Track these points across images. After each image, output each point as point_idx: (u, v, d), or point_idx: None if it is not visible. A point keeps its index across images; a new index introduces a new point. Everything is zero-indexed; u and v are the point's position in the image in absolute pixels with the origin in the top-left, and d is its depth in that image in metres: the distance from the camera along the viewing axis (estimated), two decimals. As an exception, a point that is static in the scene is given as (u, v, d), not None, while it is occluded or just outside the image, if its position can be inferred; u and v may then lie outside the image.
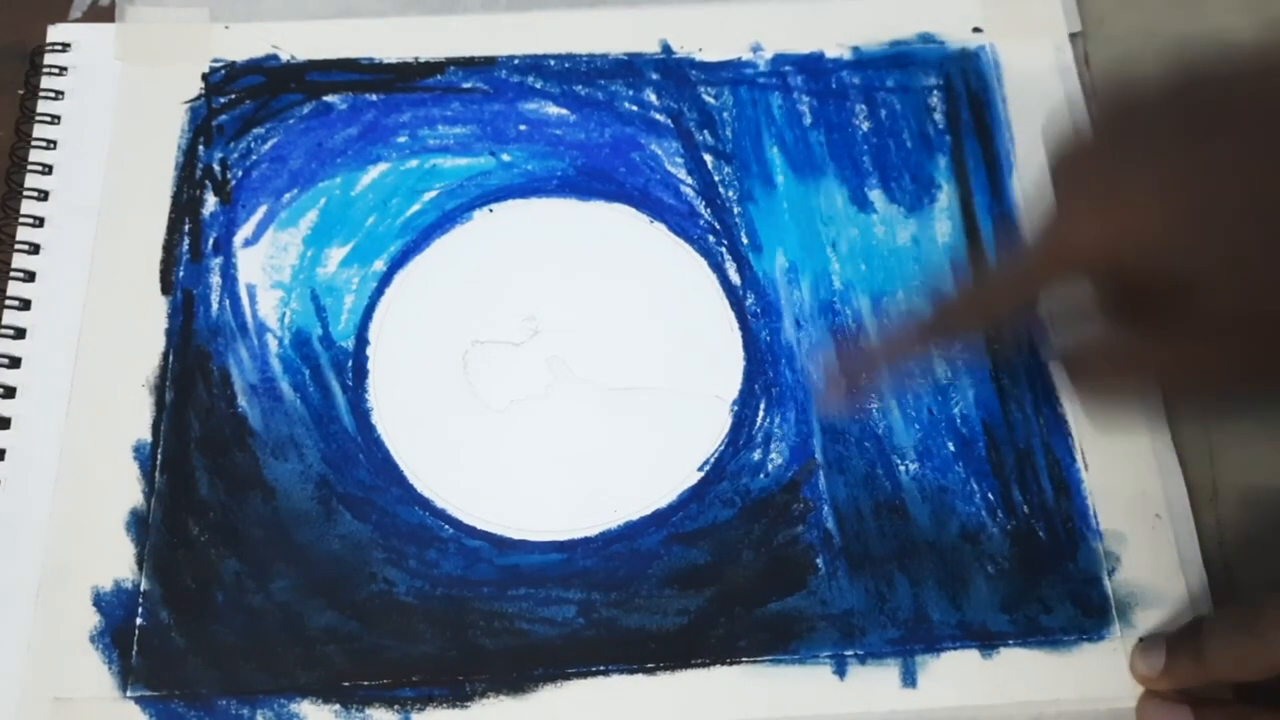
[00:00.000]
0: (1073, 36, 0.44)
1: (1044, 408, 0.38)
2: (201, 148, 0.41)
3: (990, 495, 0.37)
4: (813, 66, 0.43)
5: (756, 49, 0.43)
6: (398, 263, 0.40)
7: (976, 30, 0.44)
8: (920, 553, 0.36)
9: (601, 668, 0.35)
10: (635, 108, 0.42)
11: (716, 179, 0.41)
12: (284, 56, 0.43)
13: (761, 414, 0.38)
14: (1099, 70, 0.44)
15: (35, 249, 0.39)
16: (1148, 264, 0.31)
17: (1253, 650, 0.31)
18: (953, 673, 0.35)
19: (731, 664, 0.35)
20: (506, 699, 0.34)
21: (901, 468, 0.37)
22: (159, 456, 0.37)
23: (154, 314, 0.39)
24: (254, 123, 0.42)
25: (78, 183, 0.40)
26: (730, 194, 0.41)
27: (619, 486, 0.37)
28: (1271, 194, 0.29)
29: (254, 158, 0.41)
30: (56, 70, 0.42)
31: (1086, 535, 0.37)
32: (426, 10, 0.44)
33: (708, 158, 0.42)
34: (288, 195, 0.41)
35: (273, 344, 0.39)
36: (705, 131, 0.42)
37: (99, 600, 0.35)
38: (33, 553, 0.35)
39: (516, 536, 0.36)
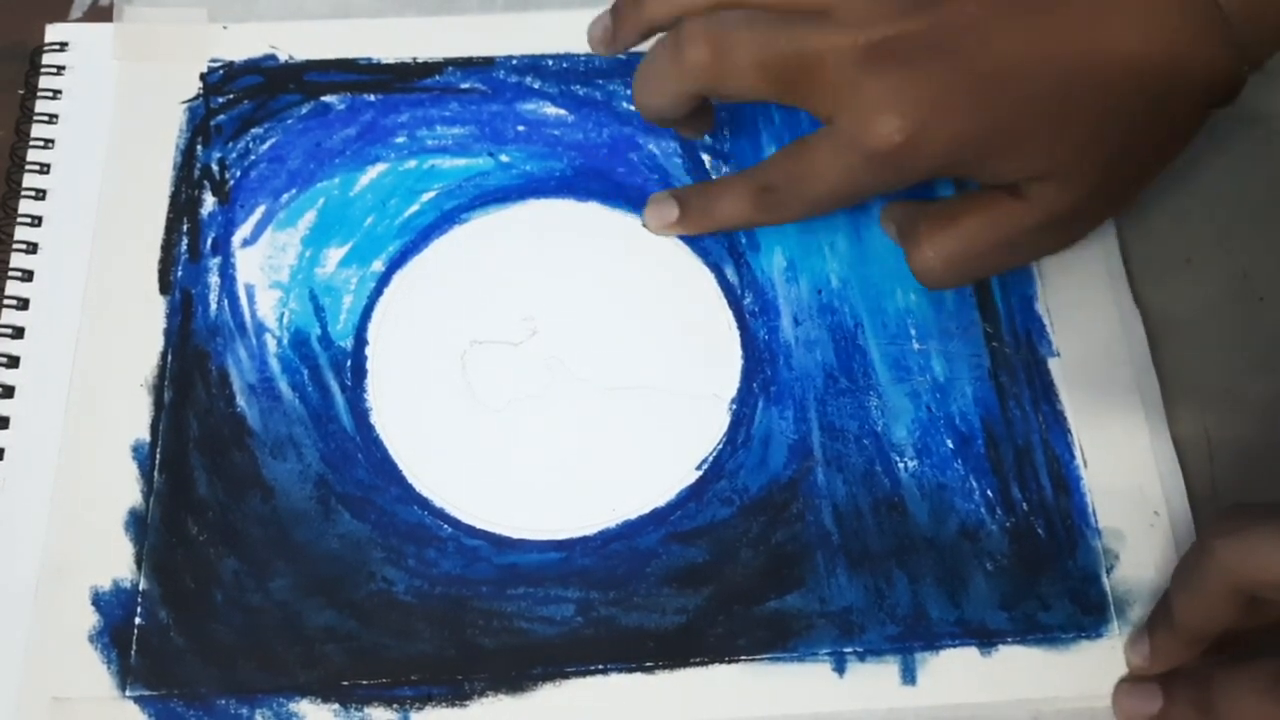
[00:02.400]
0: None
1: (1043, 405, 0.38)
2: (200, 148, 0.41)
3: (989, 492, 0.37)
4: (810, 66, 0.43)
5: (754, 49, 0.43)
6: (396, 263, 0.40)
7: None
8: (919, 550, 0.36)
9: (600, 666, 0.35)
10: (634, 107, 0.42)
11: (715, 179, 0.41)
12: (282, 57, 0.43)
13: (760, 412, 0.38)
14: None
15: (33, 248, 0.39)
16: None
17: (1203, 574, 0.31)
18: (952, 670, 0.35)
19: (730, 662, 0.35)
20: (505, 698, 0.34)
21: (900, 465, 0.37)
22: (157, 456, 0.37)
23: (152, 314, 0.39)
24: (252, 123, 0.42)
25: (75, 182, 0.40)
26: (728, 194, 0.41)
27: (617, 485, 0.37)
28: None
29: (252, 158, 0.41)
30: (54, 70, 0.42)
31: (1085, 533, 0.37)
32: (424, 10, 0.44)
33: (706, 157, 0.42)
34: (286, 195, 0.41)
35: (271, 344, 0.39)
36: (703, 131, 0.42)
37: (97, 600, 0.35)
38: (31, 552, 0.35)
39: (515, 536, 0.36)
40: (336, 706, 0.34)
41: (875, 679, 0.35)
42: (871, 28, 0.33)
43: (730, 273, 0.40)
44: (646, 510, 0.37)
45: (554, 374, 0.39)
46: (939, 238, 0.36)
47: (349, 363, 0.38)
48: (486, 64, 0.43)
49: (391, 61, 0.43)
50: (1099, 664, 0.35)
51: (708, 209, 0.39)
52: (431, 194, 0.41)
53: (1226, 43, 0.33)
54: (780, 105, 0.35)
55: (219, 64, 0.42)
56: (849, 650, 0.35)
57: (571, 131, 0.42)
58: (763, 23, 0.34)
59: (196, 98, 0.42)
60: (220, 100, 0.42)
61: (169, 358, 0.38)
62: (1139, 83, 0.33)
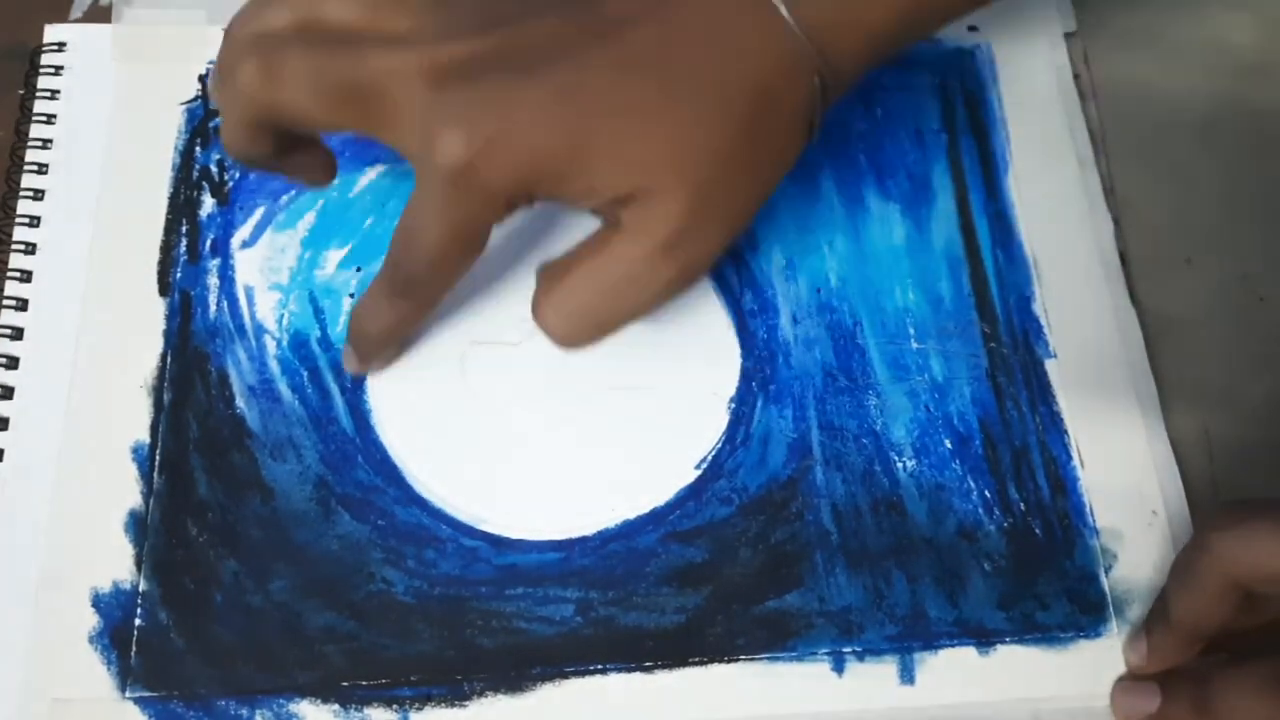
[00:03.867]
0: (1068, 36, 0.44)
1: (1040, 406, 0.38)
2: (198, 149, 0.41)
3: (987, 493, 0.37)
4: (809, 66, 0.43)
5: (753, 48, 0.43)
6: (395, 263, 0.40)
7: (972, 29, 0.44)
8: (917, 550, 0.36)
9: (599, 666, 0.35)
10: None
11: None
12: (281, 58, 0.43)
13: (759, 411, 0.38)
14: (1099, 69, 0.44)
15: (32, 249, 0.39)
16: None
17: (1200, 569, 0.31)
18: (950, 669, 0.35)
19: (730, 662, 0.35)
20: (505, 698, 0.34)
21: (899, 464, 0.37)
22: (157, 457, 0.37)
23: (152, 315, 0.39)
24: (251, 124, 0.42)
25: (74, 183, 0.40)
26: (727, 193, 0.41)
27: (616, 485, 0.37)
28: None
29: (251, 159, 0.41)
30: (52, 70, 0.42)
31: (1083, 532, 0.37)
32: (423, 11, 0.44)
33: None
34: (285, 197, 0.41)
35: (271, 345, 0.39)
36: (702, 131, 0.42)
37: (97, 601, 0.35)
38: (31, 554, 0.35)
39: (514, 536, 0.36)
40: (336, 707, 0.34)
41: (874, 678, 0.35)
42: (437, 48, 0.31)
43: (729, 271, 0.40)
44: (645, 510, 0.37)
45: (553, 374, 0.39)
46: (555, 295, 0.33)
47: (348, 364, 0.38)
48: (485, 64, 0.43)
49: (390, 62, 0.43)
50: (1098, 663, 0.35)
51: (358, 326, 0.36)
52: (430, 194, 0.41)
53: (809, 70, 0.32)
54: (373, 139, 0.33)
55: (218, 65, 0.42)
56: (848, 650, 0.35)
57: (570, 131, 0.42)
58: (321, 42, 0.31)
59: (195, 99, 0.42)
60: (219, 101, 0.42)
61: (168, 359, 0.38)
62: (721, 103, 0.32)
